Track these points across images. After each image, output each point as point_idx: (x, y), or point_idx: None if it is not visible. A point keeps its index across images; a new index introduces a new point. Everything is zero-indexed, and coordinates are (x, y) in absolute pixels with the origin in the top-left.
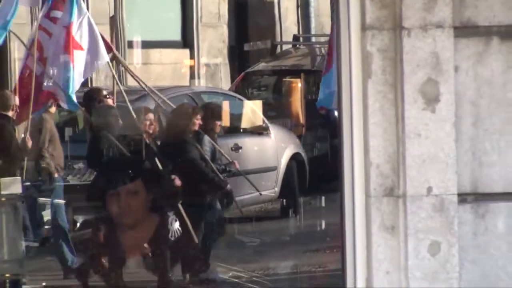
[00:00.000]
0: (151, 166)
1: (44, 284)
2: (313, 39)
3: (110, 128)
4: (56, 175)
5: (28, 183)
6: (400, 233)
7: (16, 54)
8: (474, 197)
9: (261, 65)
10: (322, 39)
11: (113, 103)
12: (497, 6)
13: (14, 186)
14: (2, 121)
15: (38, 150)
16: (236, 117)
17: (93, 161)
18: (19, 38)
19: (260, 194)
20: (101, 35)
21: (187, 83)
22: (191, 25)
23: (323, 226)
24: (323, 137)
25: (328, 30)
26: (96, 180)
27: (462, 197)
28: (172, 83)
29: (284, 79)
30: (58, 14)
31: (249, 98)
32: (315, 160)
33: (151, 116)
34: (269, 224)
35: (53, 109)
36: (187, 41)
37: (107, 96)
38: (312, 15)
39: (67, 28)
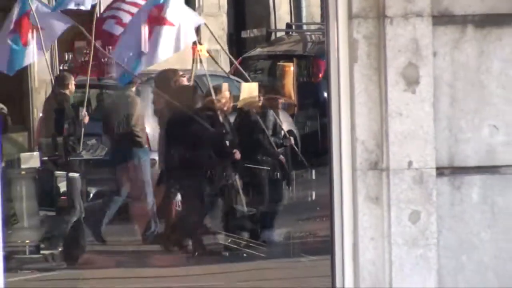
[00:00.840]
0: (222, 140)
1: (60, 249)
2: (304, 27)
3: (190, 105)
4: (146, 146)
5: (45, 158)
6: (384, 203)
7: None
8: (450, 170)
9: (257, 51)
10: (312, 27)
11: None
12: None
13: (32, 160)
14: (61, 98)
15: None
16: (235, 98)
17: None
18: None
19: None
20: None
21: (190, 67)
22: None
23: (314, 197)
24: (313, 116)
25: (317, 19)
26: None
27: (440, 171)
28: (177, 67)
29: (278, 63)
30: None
31: (246, 81)
32: (306, 137)
33: (227, 94)
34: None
35: (133, 88)
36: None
37: (183, 76)
38: (303, 5)
39: (155, 7)
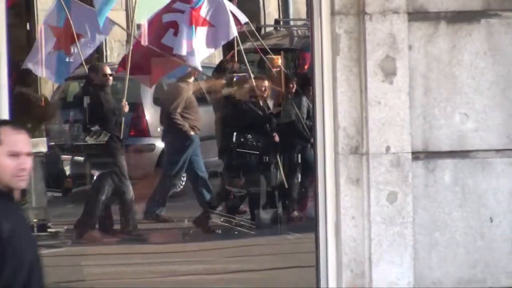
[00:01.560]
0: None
1: (65, 227)
2: (291, 23)
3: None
4: (192, 133)
5: (52, 143)
6: (364, 185)
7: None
8: (425, 155)
9: (248, 44)
10: (299, 23)
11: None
12: None
13: (40, 145)
14: (97, 89)
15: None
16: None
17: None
18: (115, 23)
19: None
20: (231, 12)
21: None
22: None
23: (299, 178)
24: (299, 104)
25: (304, 15)
26: None
27: (415, 155)
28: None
29: (267, 56)
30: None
31: (238, 72)
32: (292, 123)
33: (266, 83)
34: (253, 176)
35: (191, 79)
36: None
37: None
38: (290, 2)
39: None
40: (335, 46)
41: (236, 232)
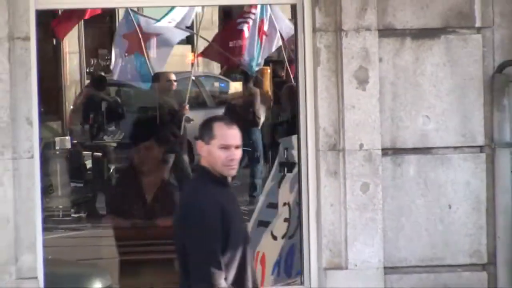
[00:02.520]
0: None
1: (86, 213)
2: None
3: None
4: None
5: (75, 141)
6: (340, 177)
7: (67, 48)
8: (393, 151)
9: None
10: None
11: None
12: (409, 14)
13: (65, 143)
14: (161, 94)
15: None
16: (224, 92)
17: None
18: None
19: None
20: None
21: (189, 69)
22: (192, 28)
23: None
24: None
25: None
26: None
27: (385, 151)
28: (179, 69)
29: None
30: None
31: (233, 80)
32: (279, 124)
33: None
34: (245, 170)
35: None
36: (189, 39)
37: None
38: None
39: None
40: (316, 58)
41: None
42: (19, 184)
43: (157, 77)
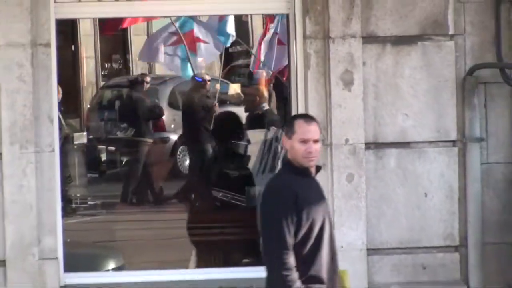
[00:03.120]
0: None
1: (101, 201)
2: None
3: None
4: None
5: (91, 136)
6: (328, 169)
7: (84, 53)
8: (375, 145)
9: (240, 61)
10: None
11: None
12: (390, 23)
13: (81, 138)
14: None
15: None
16: (225, 92)
17: None
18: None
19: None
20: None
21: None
22: None
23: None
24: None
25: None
26: None
27: (368, 145)
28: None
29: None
30: None
31: (232, 82)
32: None
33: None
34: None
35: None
36: None
37: None
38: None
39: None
40: (307, 62)
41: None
42: (41, 175)
43: (194, 77)
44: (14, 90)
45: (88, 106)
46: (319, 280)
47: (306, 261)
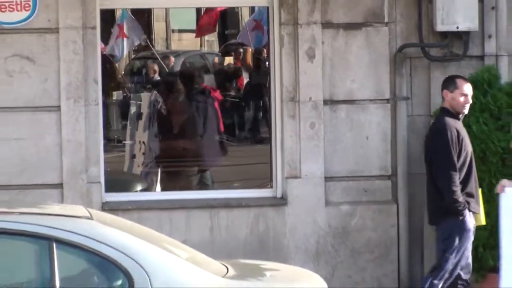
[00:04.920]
0: None
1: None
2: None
3: None
4: None
5: (125, 94)
6: (296, 118)
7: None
8: (330, 102)
9: (232, 41)
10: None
11: None
12: (341, 14)
13: (118, 95)
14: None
15: None
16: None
17: None
18: None
19: None
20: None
21: (198, 49)
22: None
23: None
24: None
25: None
26: None
27: (325, 102)
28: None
29: (243, 47)
30: None
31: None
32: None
33: None
34: None
35: None
36: None
37: None
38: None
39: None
40: (281, 42)
41: None
42: (88, 121)
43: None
44: (70, 60)
45: (123, 72)
46: (472, 195)
47: (463, 182)
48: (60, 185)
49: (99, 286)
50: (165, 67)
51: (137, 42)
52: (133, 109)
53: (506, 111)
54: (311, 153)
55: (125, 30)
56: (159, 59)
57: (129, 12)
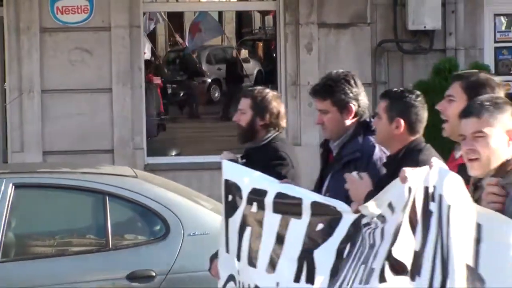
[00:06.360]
0: None
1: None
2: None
3: None
4: None
5: (163, 78)
6: (297, 99)
7: (159, 32)
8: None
9: (248, 37)
10: (269, 28)
11: None
12: (333, 16)
13: (158, 80)
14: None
15: None
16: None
17: None
18: None
19: None
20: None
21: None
22: None
23: None
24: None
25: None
26: None
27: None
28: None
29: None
30: None
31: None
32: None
33: None
34: None
35: None
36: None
37: None
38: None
39: None
40: (286, 38)
41: None
42: (134, 101)
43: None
44: (119, 52)
45: (161, 62)
46: None
47: None
48: (111, 151)
49: (142, 231)
50: (193, 58)
51: (212, 38)
52: (169, 91)
53: None
54: (309, 127)
55: (200, 26)
56: (190, 52)
57: (209, 13)
